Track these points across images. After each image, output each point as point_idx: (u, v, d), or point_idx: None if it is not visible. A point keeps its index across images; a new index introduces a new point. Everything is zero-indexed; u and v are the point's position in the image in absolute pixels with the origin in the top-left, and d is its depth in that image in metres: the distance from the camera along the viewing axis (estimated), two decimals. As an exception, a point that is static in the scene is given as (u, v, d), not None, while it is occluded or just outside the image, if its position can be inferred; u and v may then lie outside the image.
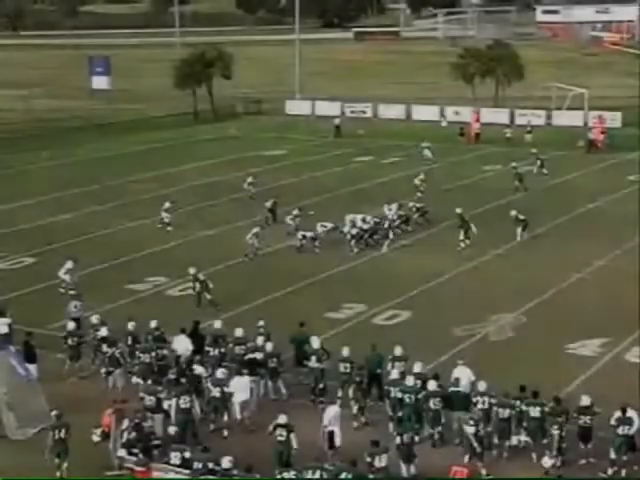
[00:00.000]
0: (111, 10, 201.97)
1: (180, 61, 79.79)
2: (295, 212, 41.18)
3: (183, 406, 23.30)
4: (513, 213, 40.55)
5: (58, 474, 22.04)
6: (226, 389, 24.04)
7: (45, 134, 67.26)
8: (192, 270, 32.94)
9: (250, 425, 24.04)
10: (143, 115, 79.25)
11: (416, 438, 22.36)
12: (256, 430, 23.43)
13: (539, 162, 53.10)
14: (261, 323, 27.13)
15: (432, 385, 23.45)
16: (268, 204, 43.57)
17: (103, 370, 26.48)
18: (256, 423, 23.88)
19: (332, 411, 22.92)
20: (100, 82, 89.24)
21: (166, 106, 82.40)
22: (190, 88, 78.42)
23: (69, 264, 34.19)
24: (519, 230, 40.18)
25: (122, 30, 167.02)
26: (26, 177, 54.96)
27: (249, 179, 48.71)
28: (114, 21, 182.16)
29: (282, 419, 21.79)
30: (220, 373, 24.45)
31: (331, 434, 22.59)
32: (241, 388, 24.34)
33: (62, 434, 22.08)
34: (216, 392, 23.98)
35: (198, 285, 32.55)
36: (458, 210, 40.49)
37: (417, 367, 24.36)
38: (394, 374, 24.25)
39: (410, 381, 23.64)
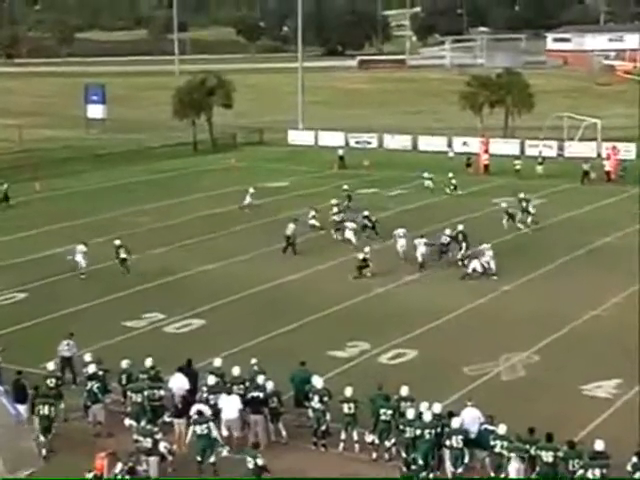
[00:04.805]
0: (108, 37, 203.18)
1: (179, 89, 79.94)
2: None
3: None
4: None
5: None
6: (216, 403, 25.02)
7: (39, 164, 67.24)
8: (117, 242, 40.65)
9: (235, 446, 24.46)
10: (140, 145, 79.36)
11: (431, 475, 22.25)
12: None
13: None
14: (254, 361, 27.03)
15: (456, 423, 23.35)
16: (288, 231, 43.92)
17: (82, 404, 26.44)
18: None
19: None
20: (96, 111, 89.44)
21: (164, 136, 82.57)
22: (189, 118, 78.50)
23: (82, 247, 40.41)
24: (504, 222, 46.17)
25: (119, 58, 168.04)
26: (19, 209, 54.99)
27: (251, 189, 53.34)
28: (111, 48, 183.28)
29: None
30: (211, 380, 25.64)
31: None
32: (228, 406, 24.77)
33: (53, 383, 25.89)
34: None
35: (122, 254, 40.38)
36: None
37: (436, 408, 24.24)
38: (410, 414, 24.01)
39: (427, 416, 23.51)
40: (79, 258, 40.70)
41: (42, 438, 24.47)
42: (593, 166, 62.76)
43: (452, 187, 57.88)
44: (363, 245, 42.45)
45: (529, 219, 48.64)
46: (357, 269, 40.33)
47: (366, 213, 46.97)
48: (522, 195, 49.98)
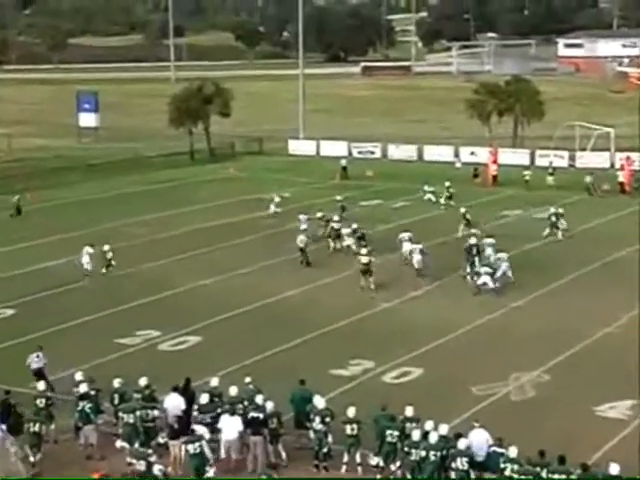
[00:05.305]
0: (101, 43, 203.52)
1: (175, 97, 79.99)
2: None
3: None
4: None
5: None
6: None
7: (30, 175, 67.28)
8: (106, 247, 42.78)
9: (233, 468, 24.69)
10: (135, 155, 79.32)
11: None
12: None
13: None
14: (248, 380, 27.02)
15: (462, 444, 23.29)
16: (300, 244, 44.10)
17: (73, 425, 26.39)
18: None
19: None
20: (88, 119, 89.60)
21: (160, 145, 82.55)
22: (186, 126, 78.53)
23: (89, 249, 41.89)
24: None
25: (113, 64, 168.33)
26: (9, 221, 54.94)
27: (276, 198, 54.52)
28: (104, 54, 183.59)
29: None
30: (203, 399, 25.78)
31: None
32: (229, 427, 24.89)
33: (43, 404, 25.91)
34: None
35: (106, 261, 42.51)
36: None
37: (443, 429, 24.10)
38: (415, 436, 23.95)
39: (433, 438, 23.46)
40: (84, 260, 41.74)
41: (29, 452, 24.46)
42: (598, 177, 62.57)
43: (447, 196, 57.39)
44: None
45: (559, 233, 48.77)
46: (362, 274, 40.35)
47: (355, 226, 46.93)
48: (553, 210, 49.97)
